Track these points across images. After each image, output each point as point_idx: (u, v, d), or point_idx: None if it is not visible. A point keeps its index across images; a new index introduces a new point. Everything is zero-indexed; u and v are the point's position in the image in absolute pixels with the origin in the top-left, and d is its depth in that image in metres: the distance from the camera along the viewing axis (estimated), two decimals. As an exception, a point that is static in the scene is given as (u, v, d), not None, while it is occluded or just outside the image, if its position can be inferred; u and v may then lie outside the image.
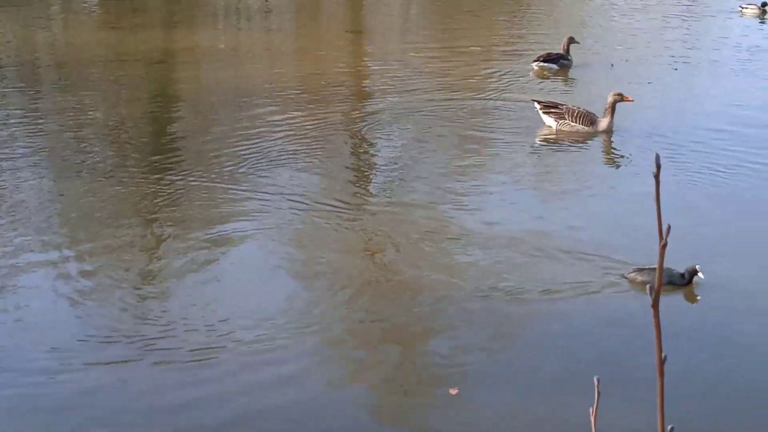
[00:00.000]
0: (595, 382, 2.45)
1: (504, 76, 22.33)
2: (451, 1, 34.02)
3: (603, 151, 17.13)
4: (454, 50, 25.23)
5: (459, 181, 15.22)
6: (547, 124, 17.75)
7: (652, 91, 20.93)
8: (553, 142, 17.38)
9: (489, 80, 22.01)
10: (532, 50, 24.44)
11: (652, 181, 2.10)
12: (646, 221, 12.74)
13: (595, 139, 17.52)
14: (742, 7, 29.81)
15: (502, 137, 17.54)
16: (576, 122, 17.41)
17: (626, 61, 23.85)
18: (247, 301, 10.98)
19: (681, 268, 11.52)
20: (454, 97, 20.32)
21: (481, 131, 17.95)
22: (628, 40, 26.66)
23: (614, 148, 17.15)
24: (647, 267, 11.65)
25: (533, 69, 22.58)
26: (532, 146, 17.19)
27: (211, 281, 11.57)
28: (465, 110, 19.31)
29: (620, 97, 17.33)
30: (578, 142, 17.34)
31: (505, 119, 18.69)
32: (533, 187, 15.19)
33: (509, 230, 13.11)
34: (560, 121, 17.46)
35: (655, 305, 2.12)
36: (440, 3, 34.52)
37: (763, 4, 28.61)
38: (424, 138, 17.50)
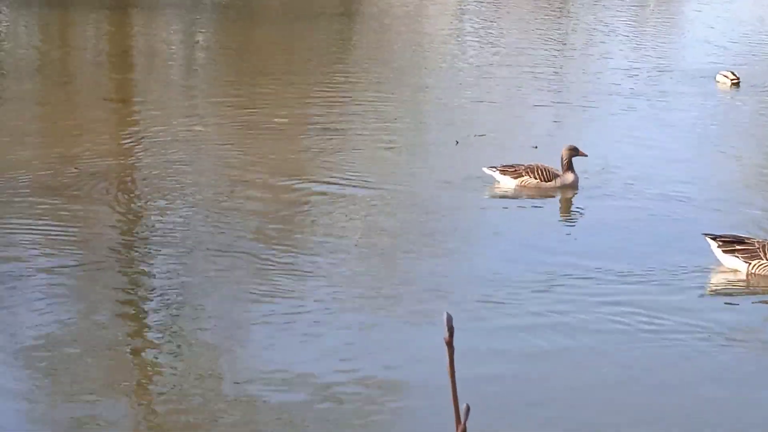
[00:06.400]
0: None
1: (321, 155, 18.11)
2: (248, 63, 27.92)
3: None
4: (253, 123, 20.27)
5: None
6: (504, 185, 16.57)
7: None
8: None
9: (306, 161, 17.90)
10: (352, 120, 20.42)
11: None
12: None
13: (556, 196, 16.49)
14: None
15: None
16: (536, 178, 16.53)
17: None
18: None
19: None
20: (261, 185, 16.30)
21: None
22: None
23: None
24: None
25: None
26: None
27: None
28: (280, 203, 15.71)
29: (575, 152, 16.57)
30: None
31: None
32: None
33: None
34: (520, 179, 16.52)
35: None
36: (233, 63, 28.12)
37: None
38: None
